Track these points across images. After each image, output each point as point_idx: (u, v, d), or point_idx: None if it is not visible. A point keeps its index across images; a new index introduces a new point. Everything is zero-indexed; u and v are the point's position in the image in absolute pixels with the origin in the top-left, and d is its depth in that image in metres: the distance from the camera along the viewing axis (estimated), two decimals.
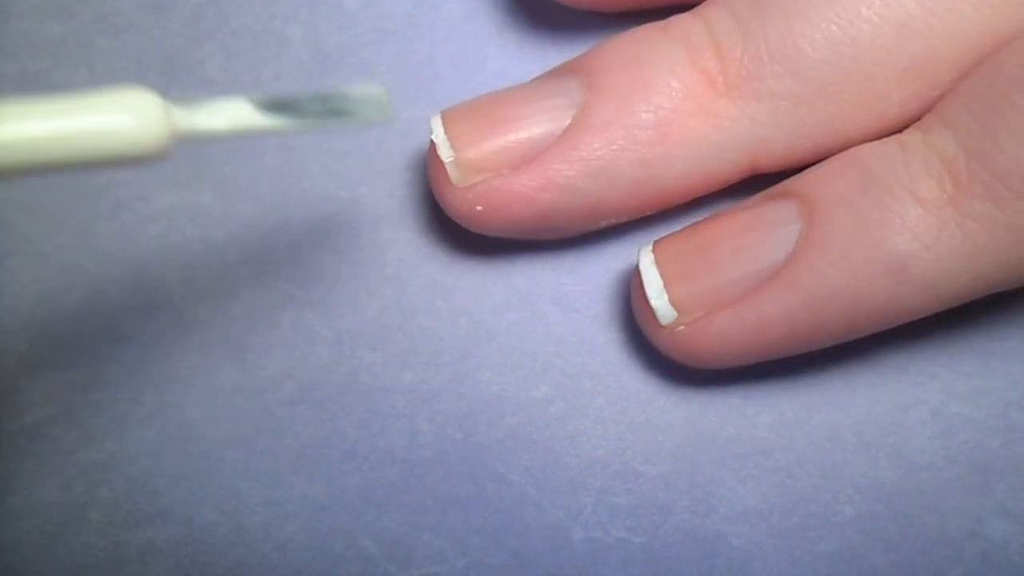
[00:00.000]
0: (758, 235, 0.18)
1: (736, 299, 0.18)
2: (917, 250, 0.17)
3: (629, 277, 0.20)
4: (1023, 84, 0.17)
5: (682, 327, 0.19)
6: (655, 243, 0.19)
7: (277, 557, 0.20)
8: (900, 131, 0.18)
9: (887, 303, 0.18)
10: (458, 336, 0.21)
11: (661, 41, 0.19)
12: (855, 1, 0.18)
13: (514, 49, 0.22)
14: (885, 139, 0.18)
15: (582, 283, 0.21)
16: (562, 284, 0.21)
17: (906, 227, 0.17)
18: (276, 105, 0.15)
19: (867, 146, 0.18)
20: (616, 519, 0.20)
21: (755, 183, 0.19)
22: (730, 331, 0.18)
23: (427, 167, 0.20)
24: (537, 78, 0.20)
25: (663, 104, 0.18)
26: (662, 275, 0.19)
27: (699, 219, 0.19)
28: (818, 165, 0.19)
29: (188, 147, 0.15)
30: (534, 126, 0.19)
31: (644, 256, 0.19)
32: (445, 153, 0.19)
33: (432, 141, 0.19)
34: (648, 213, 0.20)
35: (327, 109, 0.16)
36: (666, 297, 0.19)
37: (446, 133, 0.19)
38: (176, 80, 0.22)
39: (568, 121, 0.19)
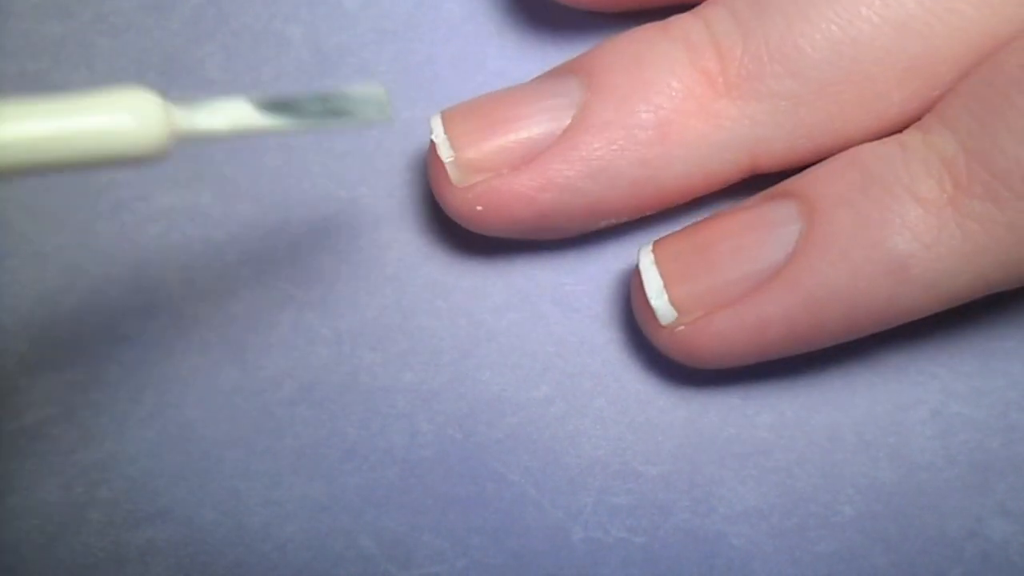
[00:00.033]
0: (758, 235, 0.18)
1: (736, 299, 0.18)
2: (917, 250, 0.17)
3: (629, 277, 0.20)
4: (1023, 84, 0.17)
5: (682, 327, 0.19)
6: (655, 243, 0.19)
7: (277, 557, 0.20)
8: (900, 131, 0.18)
9: (887, 303, 0.18)
10: (458, 336, 0.21)
11: (661, 41, 0.19)
12: (855, 1, 0.18)
13: (514, 49, 0.22)
14: (885, 139, 0.18)
15: (582, 283, 0.21)
16: (562, 284, 0.21)
17: (906, 227, 0.17)
18: (276, 105, 0.15)
19: (867, 146, 0.18)
20: (616, 519, 0.20)
21: (755, 183, 0.19)
22: (730, 331, 0.18)
23: (427, 167, 0.20)
24: (537, 78, 0.20)
25: (663, 104, 0.18)
26: (662, 275, 0.19)
27: (699, 219, 0.19)
28: (818, 165, 0.19)
29: (188, 147, 0.15)
30: (534, 126, 0.19)
31: (644, 256, 0.19)
32: (445, 153, 0.19)
33: (432, 141, 0.19)
34: (648, 213, 0.20)
35: (327, 109, 0.16)
36: (666, 297, 0.19)
37: (446, 133, 0.19)
38: (176, 80, 0.22)
39: (568, 121, 0.19)
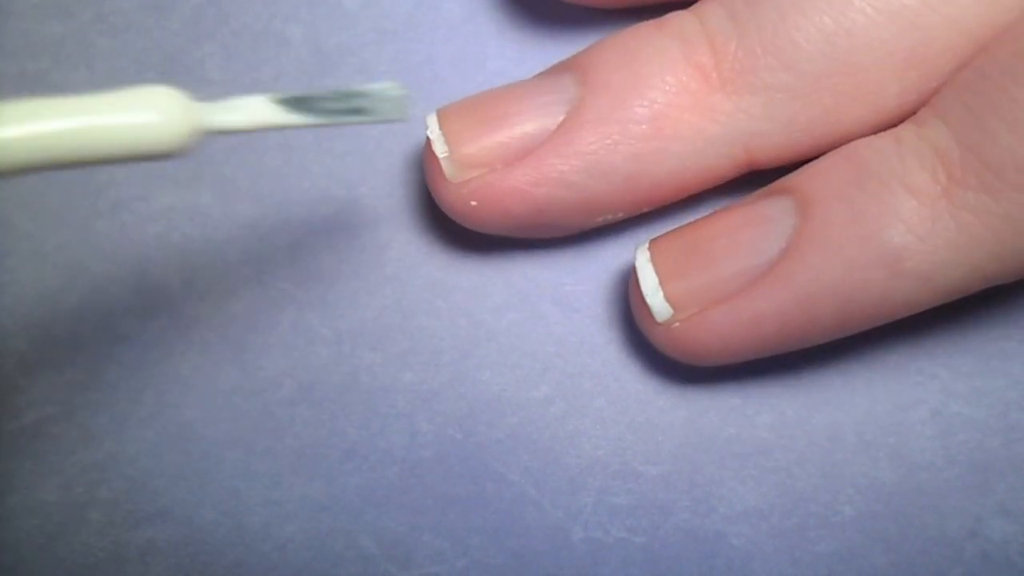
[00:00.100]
0: (752, 231, 0.18)
1: (731, 295, 0.18)
2: (911, 242, 0.17)
3: (628, 277, 0.20)
4: (1017, 72, 0.17)
5: (678, 323, 0.19)
6: (651, 241, 0.19)
7: (277, 557, 0.20)
8: (898, 124, 0.18)
9: (882, 297, 0.18)
10: (458, 336, 0.21)
11: (655, 37, 0.19)
12: None
13: (514, 49, 0.22)
14: (880, 133, 0.18)
15: (582, 283, 0.21)
16: (562, 284, 0.21)
17: (900, 220, 0.17)
18: (296, 102, 0.15)
19: (862, 140, 0.18)
20: (616, 519, 0.20)
21: (754, 183, 0.19)
22: (726, 327, 0.18)
23: (423, 164, 0.20)
24: (532, 76, 0.20)
25: (657, 99, 0.18)
26: (657, 272, 0.19)
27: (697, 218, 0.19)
28: (813, 161, 0.19)
29: (214, 142, 0.15)
30: (529, 122, 0.19)
31: (640, 254, 0.19)
32: (440, 149, 0.19)
33: (427, 137, 0.19)
34: (644, 209, 0.20)
35: (346, 107, 0.16)
36: (661, 294, 0.19)
37: (441, 129, 0.19)
38: (176, 80, 0.21)
39: (562, 117, 0.19)
